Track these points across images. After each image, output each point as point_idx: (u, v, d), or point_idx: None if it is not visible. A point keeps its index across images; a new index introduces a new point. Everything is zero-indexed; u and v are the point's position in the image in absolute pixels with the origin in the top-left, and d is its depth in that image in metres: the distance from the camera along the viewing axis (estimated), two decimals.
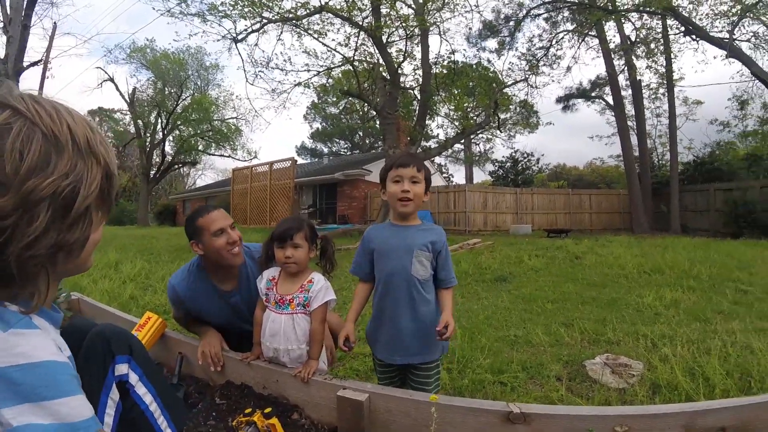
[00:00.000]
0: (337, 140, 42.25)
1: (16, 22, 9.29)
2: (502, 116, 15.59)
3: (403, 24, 11.24)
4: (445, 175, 32.64)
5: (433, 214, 16.12)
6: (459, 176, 40.12)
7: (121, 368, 0.93)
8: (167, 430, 0.93)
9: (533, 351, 3.00)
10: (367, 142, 38.18)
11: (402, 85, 12.57)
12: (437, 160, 27.54)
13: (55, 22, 13.49)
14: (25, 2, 9.31)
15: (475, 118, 14.06)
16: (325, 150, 42.11)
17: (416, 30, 11.58)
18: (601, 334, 3.32)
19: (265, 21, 11.25)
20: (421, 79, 12.45)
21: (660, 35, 14.47)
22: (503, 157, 30.31)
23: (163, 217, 27.07)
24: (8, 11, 9.54)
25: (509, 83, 15.15)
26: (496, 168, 29.72)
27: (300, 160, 31.65)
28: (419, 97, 12.65)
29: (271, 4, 10.70)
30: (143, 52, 23.65)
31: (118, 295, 4.84)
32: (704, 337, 3.09)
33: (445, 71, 12.79)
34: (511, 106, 16.11)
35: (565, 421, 1.26)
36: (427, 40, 12.33)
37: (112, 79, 24.62)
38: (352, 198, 18.44)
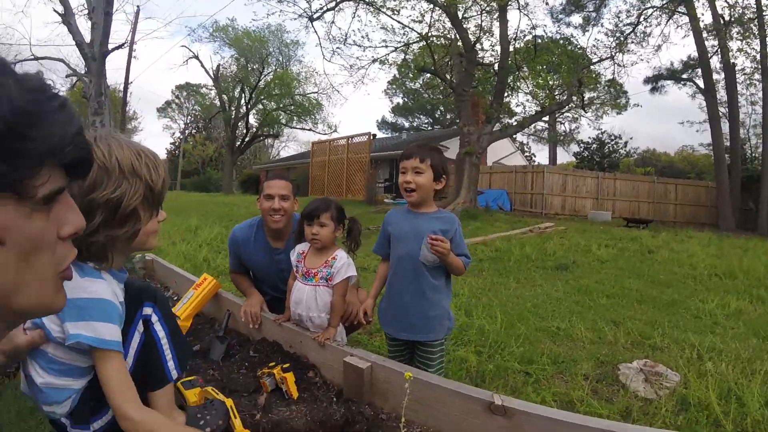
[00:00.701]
0: (418, 115, 41.98)
1: (99, 10, 10.26)
2: (588, 95, 14.66)
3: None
4: (526, 154, 31.46)
5: (509, 194, 15.74)
6: (542, 156, 38.34)
7: (147, 310, 1.20)
8: (170, 359, 1.18)
9: (571, 346, 2.95)
10: (448, 117, 37.51)
11: (479, 61, 12.22)
12: (519, 138, 26.59)
13: (138, 6, 14.65)
14: None
15: (558, 96, 13.36)
16: (406, 125, 41.94)
17: (494, 4, 11.16)
18: (647, 338, 3.17)
19: None
20: (499, 56, 12.02)
21: (755, 15, 12.72)
22: (589, 138, 28.64)
23: (246, 186, 28.78)
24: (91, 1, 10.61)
25: (594, 60, 14.16)
26: (581, 149, 28.15)
27: (379, 135, 32.05)
28: (497, 74, 12.23)
29: None
30: (225, 31, 24.95)
31: (193, 257, 5.37)
32: (756, 357, 2.83)
33: (526, 47, 12.24)
34: (597, 85, 15.06)
35: (544, 423, 1.28)
36: (505, 15, 11.82)
37: (197, 57, 26.37)
38: None
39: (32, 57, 12.13)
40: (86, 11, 10.65)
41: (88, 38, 10.49)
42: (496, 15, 11.76)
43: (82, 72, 10.94)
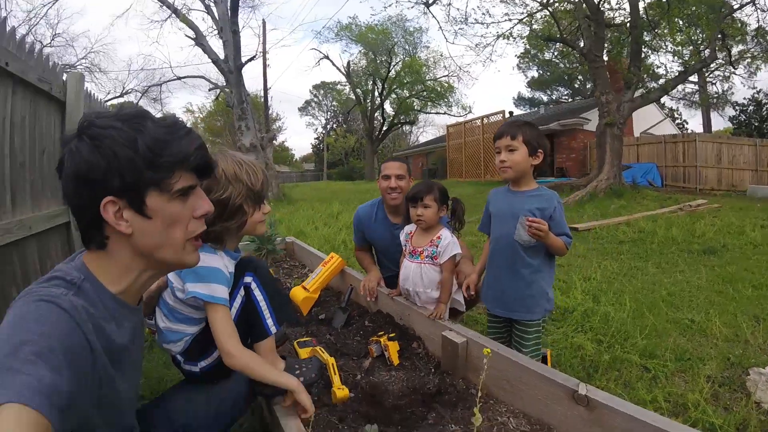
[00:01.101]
0: (557, 87, 39.06)
1: (227, 29, 11.53)
2: (736, 49, 11.98)
3: None
4: (678, 122, 27.12)
5: (659, 167, 13.78)
6: (695, 123, 32.38)
7: (247, 279, 1.44)
8: (269, 317, 1.42)
9: (701, 342, 2.58)
10: (588, 87, 34.14)
11: (608, 22, 10.87)
12: (668, 104, 22.95)
13: (264, 20, 16.08)
14: (229, 12, 11.34)
15: (702, 53, 11.20)
16: (545, 99, 39.36)
17: None
18: None
19: None
20: (629, 13, 10.55)
21: None
22: (744, 99, 23.35)
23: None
24: (218, 21, 11.91)
25: (735, 7, 11.39)
26: (737, 113, 23.13)
27: (517, 111, 30.78)
28: (630, 34, 10.75)
29: None
30: (349, 29, 25.99)
31: (333, 239, 5.90)
32: None
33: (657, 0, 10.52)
34: (744, 36, 12.11)
35: (624, 420, 1.21)
36: None
37: (327, 57, 28.00)
38: (570, 149, 17.02)
39: (175, 77, 14.23)
40: (216, 32, 12.11)
41: (222, 55, 11.97)
42: None
43: (223, 84, 12.58)
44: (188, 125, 0.92)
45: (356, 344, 2.02)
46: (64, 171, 0.82)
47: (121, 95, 18.56)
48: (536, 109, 30.42)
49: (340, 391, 1.50)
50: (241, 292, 1.42)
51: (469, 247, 2.58)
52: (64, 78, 2.54)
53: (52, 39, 16.34)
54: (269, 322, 1.41)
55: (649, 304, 3.13)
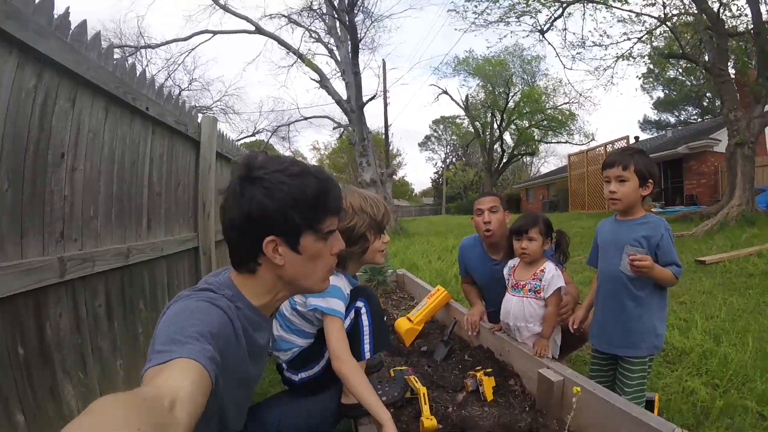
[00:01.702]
0: (685, 107, 34.92)
1: (348, 71, 12.33)
2: None
3: None
4: None
5: None
6: None
7: (359, 304, 1.58)
8: (367, 343, 1.53)
9: None
10: (717, 105, 29.79)
11: (730, 32, 9.49)
12: None
13: (384, 60, 16.92)
14: (350, 55, 12.12)
15: None
16: (672, 120, 35.45)
17: None
18: None
19: (564, 4, 10.70)
20: (750, 20, 9.09)
21: None
22: None
23: (507, 206, 29.26)
24: (341, 64, 12.75)
25: None
26: None
27: (643, 136, 28.20)
28: (755, 42, 9.25)
29: None
30: (466, 63, 26.06)
31: (445, 273, 5.91)
32: None
33: None
34: None
35: None
36: None
37: (445, 92, 28.29)
38: (699, 174, 15.17)
39: (302, 118, 15.54)
40: (339, 74, 13.04)
41: (344, 95, 12.85)
42: None
43: (346, 123, 13.48)
44: (316, 163, 1.14)
45: (453, 378, 2.02)
46: (232, 210, 0.99)
47: (253, 134, 20.75)
48: (663, 132, 27.39)
49: (428, 421, 1.52)
50: (352, 314, 1.57)
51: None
52: (199, 120, 3.00)
53: (190, 83, 18.78)
54: (367, 347, 1.53)
55: None
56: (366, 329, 1.54)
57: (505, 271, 2.24)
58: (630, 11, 10.79)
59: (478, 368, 1.97)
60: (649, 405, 1.77)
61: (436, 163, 51.18)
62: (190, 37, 13.85)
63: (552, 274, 2.00)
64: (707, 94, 30.05)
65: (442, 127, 46.51)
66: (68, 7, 1.47)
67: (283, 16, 13.33)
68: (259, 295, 1.07)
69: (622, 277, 1.72)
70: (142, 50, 14.45)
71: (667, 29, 10.57)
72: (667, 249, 1.69)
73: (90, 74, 1.59)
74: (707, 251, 6.46)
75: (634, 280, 1.69)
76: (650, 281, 1.70)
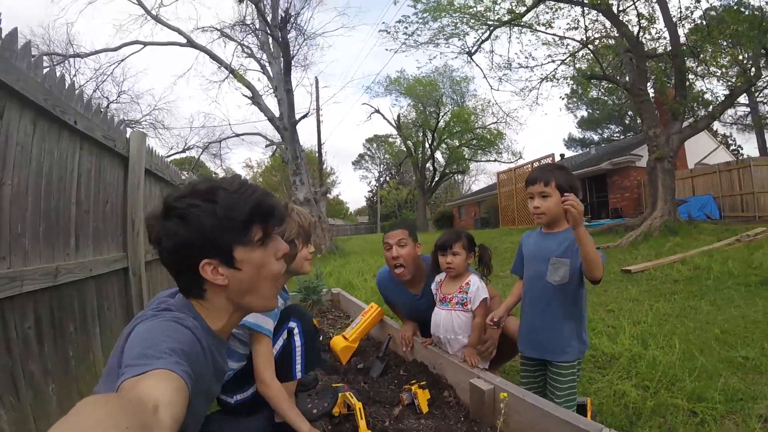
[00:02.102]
0: (607, 125, 38.25)
1: (281, 88, 12.39)
2: None
3: None
4: (732, 148, 25.62)
5: (716, 198, 13.02)
6: (751, 148, 30.14)
7: (292, 324, 1.61)
8: (299, 363, 1.58)
9: (755, 379, 2.44)
10: (638, 123, 33.11)
11: (649, 53, 10.66)
12: (721, 130, 21.70)
13: (316, 78, 17.16)
14: (282, 72, 12.17)
15: (747, 72, 10.73)
16: (596, 138, 38.59)
17: None
18: None
19: (491, 27, 11.32)
20: (668, 42, 10.26)
21: None
22: None
23: (441, 223, 29.94)
24: (273, 80, 12.79)
25: None
26: None
27: (569, 153, 30.41)
28: (672, 63, 10.52)
29: (489, 12, 10.76)
30: (398, 83, 27.04)
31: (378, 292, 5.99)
32: None
33: (696, 25, 10.20)
34: None
35: None
36: None
37: (378, 111, 28.97)
38: (623, 188, 16.53)
39: (234, 134, 15.27)
40: (271, 90, 12.98)
41: (277, 113, 12.77)
42: None
43: (278, 141, 13.38)
44: (249, 181, 1.11)
45: (390, 393, 2.10)
46: (163, 246, 1.00)
47: (183, 150, 19.97)
48: (587, 149, 29.87)
49: None
50: (284, 335, 1.59)
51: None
52: (128, 135, 2.90)
53: (118, 96, 18.00)
54: (298, 367, 1.57)
55: (701, 345, 2.98)
56: (298, 350, 1.58)
57: (433, 286, 2.35)
58: (554, 35, 11.56)
59: (413, 382, 2.07)
60: (581, 409, 1.88)
61: (370, 182, 51.87)
62: (120, 47, 13.14)
63: (477, 286, 2.15)
64: (628, 113, 32.90)
65: (375, 145, 47.34)
66: None
67: (216, 29, 13.06)
68: (214, 319, 1.07)
69: (549, 286, 1.84)
70: (71, 59, 13.64)
71: (590, 52, 11.43)
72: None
73: (19, 85, 1.53)
74: (633, 261, 6.99)
75: (560, 290, 1.82)
76: (574, 291, 1.82)
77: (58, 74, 1.92)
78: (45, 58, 12.06)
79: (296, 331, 1.59)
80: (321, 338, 3.27)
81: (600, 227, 11.10)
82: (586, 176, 18.15)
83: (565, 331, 1.82)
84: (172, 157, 18.92)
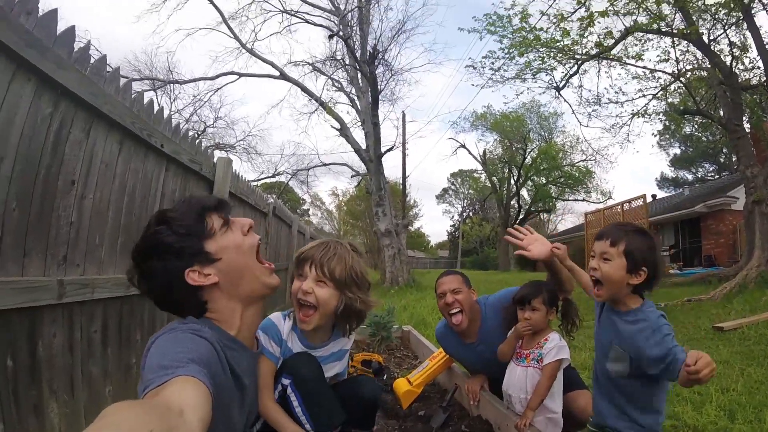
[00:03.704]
0: (702, 164, 34.64)
1: (368, 121, 12.64)
2: None
3: (714, 14, 8.60)
4: None
5: None
6: None
7: (285, 381, 1.45)
8: (305, 423, 1.40)
9: None
10: (734, 161, 29.51)
11: (743, 85, 9.48)
12: None
13: (403, 112, 17.32)
14: (370, 106, 12.44)
15: None
16: (689, 177, 35.09)
17: (733, 13, 8.71)
18: None
19: (579, 62, 10.87)
20: (763, 72, 8.99)
21: None
22: None
23: (524, 263, 28.71)
24: (361, 113, 13.08)
25: None
26: None
27: (660, 194, 28.12)
28: None
29: (577, 46, 10.32)
30: (485, 118, 26.54)
31: None
32: None
33: None
34: None
35: None
36: (752, 21, 8.80)
37: (463, 145, 28.75)
38: (717, 233, 14.86)
39: (322, 164, 15.80)
40: (359, 123, 13.35)
41: (363, 145, 13.08)
42: (744, 24, 9.01)
43: (364, 172, 13.64)
44: (331, 209, 1.13)
45: None
46: (156, 287, 1.07)
47: (273, 176, 20.97)
48: (680, 190, 27.14)
49: None
50: (279, 388, 1.45)
51: None
52: (215, 160, 3.04)
53: (215, 121, 19.25)
54: (307, 426, 1.40)
55: None
56: (298, 409, 1.40)
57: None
58: (644, 68, 10.91)
59: None
60: None
61: (452, 216, 51.25)
62: (217, 76, 14.47)
63: (555, 344, 1.91)
64: (723, 150, 29.69)
65: (459, 180, 46.94)
66: (89, 41, 1.55)
67: (308, 63, 13.89)
68: (229, 324, 1.10)
69: (609, 375, 1.52)
70: (171, 85, 15.11)
71: (682, 85, 10.66)
72: (658, 350, 1.35)
73: (106, 108, 1.64)
74: (725, 316, 6.15)
75: (622, 379, 1.49)
76: (644, 386, 1.45)
77: (157, 98, 2.07)
78: (145, 82, 13.63)
79: (290, 390, 1.42)
80: (385, 377, 3.13)
81: (692, 276, 10.01)
82: (679, 220, 16.71)
83: (635, 412, 1.48)
84: (263, 181, 20.15)
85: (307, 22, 13.80)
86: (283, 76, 13.89)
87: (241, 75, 14.41)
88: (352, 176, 16.01)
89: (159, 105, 2.31)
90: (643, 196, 15.19)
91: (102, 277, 1.72)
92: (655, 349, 1.35)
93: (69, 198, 1.53)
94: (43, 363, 1.40)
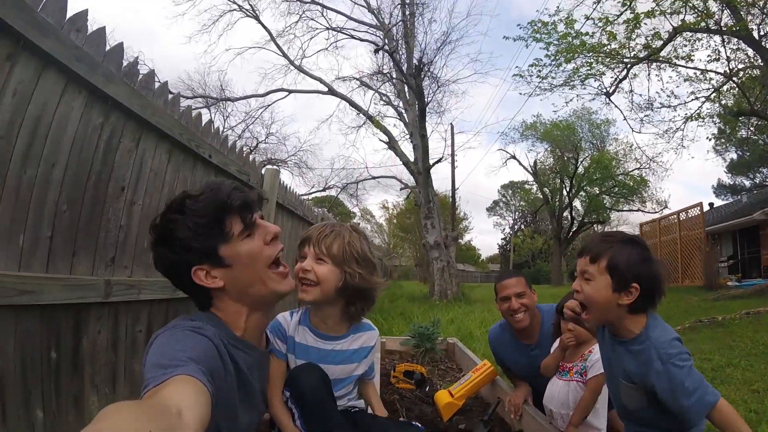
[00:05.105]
0: (760, 169, 31.65)
1: (416, 134, 12.55)
2: None
3: (763, 7, 7.99)
4: None
5: None
6: None
7: (286, 393, 1.41)
8: None
9: None
10: None
11: None
12: None
13: (451, 124, 17.10)
14: (417, 118, 12.35)
15: None
16: (747, 183, 32.19)
17: None
18: None
19: (628, 65, 10.44)
20: None
21: None
22: None
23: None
24: (408, 126, 13.02)
25: None
26: None
27: (718, 202, 26.29)
28: None
29: (625, 50, 9.89)
30: (534, 128, 25.84)
31: None
32: None
33: None
34: None
35: None
36: None
37: (513, 156, 27.99)
38: None
39: (371, 177, 15.86)
40: (407, 136, 13.33)
41: (412, 157, 13.05)
42: None
43: (412, 185, 13.58)
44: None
45: None
46: (164, 271, 1.08)
47: (324, 189, 21.29)
48: (738, 197, 24.98)
49: None
50: (286, 395, 1.43)
51: None
52: (263, 171, 3.13)
53: (267, 137, 19.61)
54: None
55: None
56: (298, 422, 1.35)
57: (552, 350, 2.03)
58: (695, 68, 10.47)
59: None
60: None
61: (503, 229, 49.99)
62: (267, 93, 15.03)
63: (599, 356, 1.76)
64: None
65: (510, 192, 45.77)
66: (137, 57, 1.63)
67: (355, 78, 14.14)
68: (234, 324, 1.09)
69: (628, 411, 1.37)
70: (223, 102, 15.72)
71: (735, 85, 10.15)
72: (668, 391, 1.16)
73: (155, 119, 1.73)
74: None
75: (636, 413, 1.33)
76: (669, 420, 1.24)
77: (210, 116, 2.17)
78: (198, 99, 14.31)
79: (290, 402, 1.39)
80: (427, 388, 3.06)
81: (751, 288, 9.22)
82: (737, 228, 15.59)
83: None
84: (313, 195, 20.59)
85: (353, 38, 14.14)
86: (332, 92, 14.24)
87: (290, 92, 14.93)
88: (401, 189, 16.06)
89: (214, 123, 2.42)
90: (700, 205, 14.13)
91: (149, 279, 1.80)
92: (667, 391, 1.17)
93: (118, 203, 1.62)
94: (86, 357, 1.47)
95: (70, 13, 1.33)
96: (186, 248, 1.01)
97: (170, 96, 1.88)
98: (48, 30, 1.21)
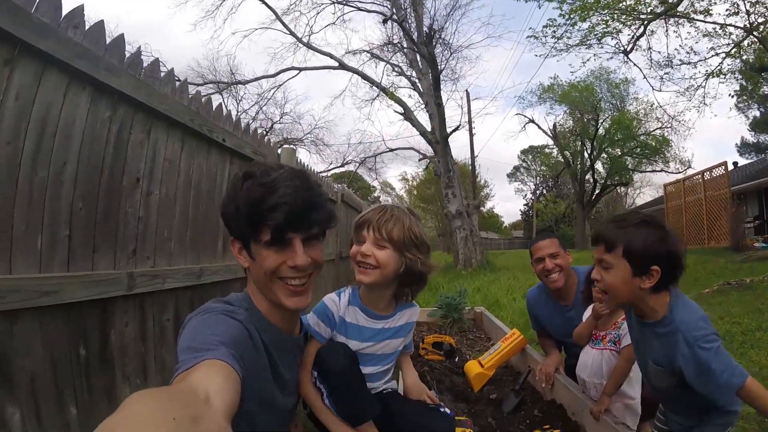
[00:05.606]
0: None
1: (431, 103, 12.24)
2: None
3: None
4: None
5: None
6: None
7: (314, 372, 1.40)
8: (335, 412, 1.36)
9: None
10: None
11: None
12: None
13: (467, 91, 16.61)
14: (432, 87, 12.01)
15: None
16: None
17: None
18: None
19: (645, 21, 9.97)
20: None
21: None
22: None
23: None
24: (423, 96, 12.70)
25: None
26: None
27: (742, 161, 25.20)
28: None
29: (641, 6, 9.41)
30: (552, 90, 24.88)
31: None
32: None
33: None
34: None
35: None
36: None
37: (532, 120, 27.14)
38: None
39: (388, 149, 15.67)
40: (422, 105, 13.07)
41: (428, 127, 12.83)
42: None
43: (431, 155, 13.38)
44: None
45: None
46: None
47: (342, 165, 21.21)
48: (762, 155, 23.85)
49: None
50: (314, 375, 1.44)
51: None
52: (279, 151, 3.11)
53: (281, 117, 19.53)
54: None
55: None
56: (326, 401, 1.36)
57: (584, 318, 1.97)
58: (714, 23, 9.99)
59: (546, 427, 1.75)
60: None
61: (525, 195, 49.21)
62: (278, 73, 14.91)
63: None
64: None
65: (530, 157, 44.77)
66: (140, 47, 1.59)
67: (365, 51, 13.88)
68: (263, 307, 1.11)
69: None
70: (235, 86, 15.68)
71: (756, 40, 9.66)
72: (696, 373, 1.16)
73: (163, 107, 1.71)
74: None
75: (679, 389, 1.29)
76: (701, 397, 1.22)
77: (223, 101, 2.14)
78: (211, 85, 14.29)
79: (318, 381, 1.39)
80: (456, 359, 3.07)
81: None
82: (763, 187, 14.90)
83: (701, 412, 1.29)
84: (332, 172, 20.52)
85: (359, 9, 13.76)
86: (342, 66, 14.01)
87: (301, 69, 14.75)
88: (419, 159, 15.88)
89: (225, 106, 2.39)
90: (724, 164, 13.55)
91: (172, 267, 1.82)
92: (694, 375, 1.17)
93: (135, 195, 1.62)
94: (115, 351, 1.50)
95: (65, 11, 1.30)
96: (228, 219, 1.05)
97: (177, 83, 1.85)
98: (44, 30, 1.19)
